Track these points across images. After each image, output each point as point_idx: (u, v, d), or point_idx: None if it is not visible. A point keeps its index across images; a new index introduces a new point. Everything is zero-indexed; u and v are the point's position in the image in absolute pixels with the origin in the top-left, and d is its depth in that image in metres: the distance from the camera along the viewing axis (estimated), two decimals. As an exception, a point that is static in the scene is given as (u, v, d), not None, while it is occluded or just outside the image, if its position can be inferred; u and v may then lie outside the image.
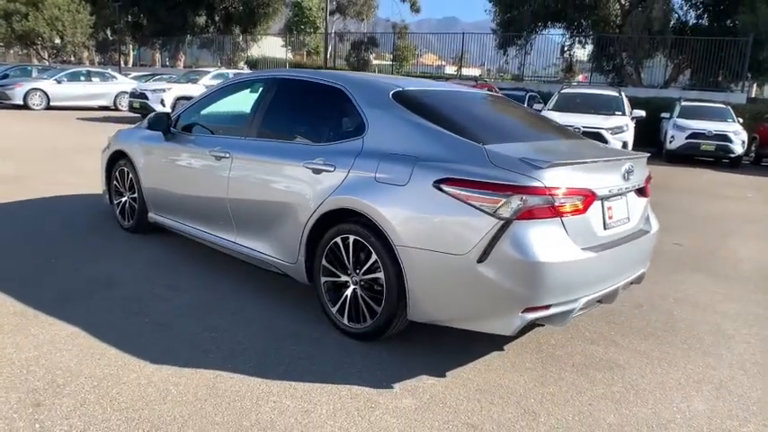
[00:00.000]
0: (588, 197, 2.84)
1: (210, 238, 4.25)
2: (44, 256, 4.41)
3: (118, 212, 5.27)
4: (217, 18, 35.17)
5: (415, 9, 32.13)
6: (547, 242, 2.67)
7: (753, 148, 14.93)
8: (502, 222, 2.65)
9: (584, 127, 10.70)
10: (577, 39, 23.65)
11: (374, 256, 3.07)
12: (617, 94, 13.30)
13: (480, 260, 2.69)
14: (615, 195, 3.08)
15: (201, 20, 35.90)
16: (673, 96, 18.80)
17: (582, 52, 24.59)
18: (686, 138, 13.33)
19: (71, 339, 3.07)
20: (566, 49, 24.36)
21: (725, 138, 13.09)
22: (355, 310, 3.23)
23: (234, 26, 34.49)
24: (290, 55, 39.96)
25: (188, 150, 4.40)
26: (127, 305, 3.59)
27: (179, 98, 16.03)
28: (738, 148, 13.14)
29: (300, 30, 46.01)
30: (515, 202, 2.64)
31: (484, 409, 2.64)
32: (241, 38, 34.26)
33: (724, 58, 20.26)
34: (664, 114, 14.83)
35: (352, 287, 3.24)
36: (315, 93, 3.77)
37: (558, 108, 12.50)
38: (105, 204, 5.57)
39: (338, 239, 3.25)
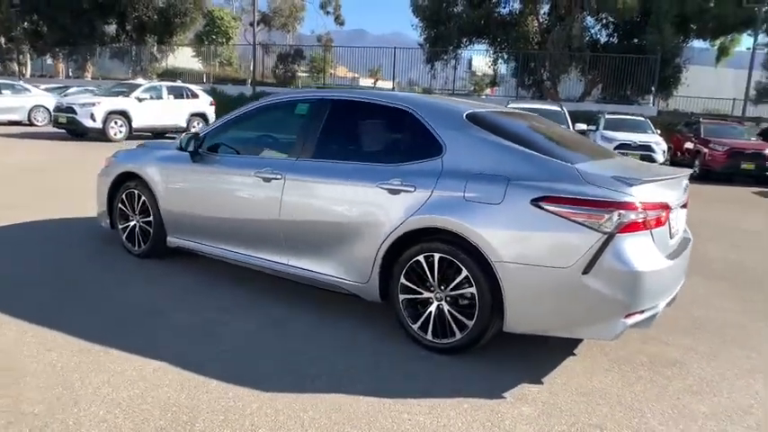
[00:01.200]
0: (666, 210, 3.13)
1: (252, 261, 4.18)
2: (63, 284, 4.16)
3: (124, 238, 5.02)
4: (129, 27, 33.55)
5: (339, 22, 32.38)
6: (643, 253, 2.93)
7: (668, 157, 16.40)
8: (606, 236, 2.87)
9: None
10: (500, 54, 24.83)
11: (464, 273, 3.19)
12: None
13: (585, 272, 2.89)
14: (677, 208, 3.40)
15: (112, 29, 34.13)
16: (591, 110, 20.25)
17: (504, 67, 25.85)
18: (614, 148, 14.41)
19: (162, 373, 2.95)
20: (489, 64, 25.51)
21: (648, 148, 14.30)
22: (441, 325, 3.32)
23: (148, 36, 33.06)
24: (199, 65, 38.77)
25: (225, 172, 4.30)
26: (189, 333, 3.47)
27: (110, 112, 15.24)
28: (660, 157, 14.38)
29: (212, 40, 44.86)
30: (616, 217, 2.88)
31: (596, 411, 2.83)
32: (156, 48, 32.90)
33: (634, 73, 22.10)
34: (590, 127, 15.95)
35: (435, 303, 3.34)
36: (379, 114, 3.84)
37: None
38: (102, 228, 5.29)
39: (420, 258, 3.34)
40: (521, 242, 3.03)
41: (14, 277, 4.29)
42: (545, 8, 25.41)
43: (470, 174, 3.24)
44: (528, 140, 3.42)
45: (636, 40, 22.75)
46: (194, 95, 17.43)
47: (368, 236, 3.53)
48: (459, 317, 3.25)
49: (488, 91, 31.77)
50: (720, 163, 14.41)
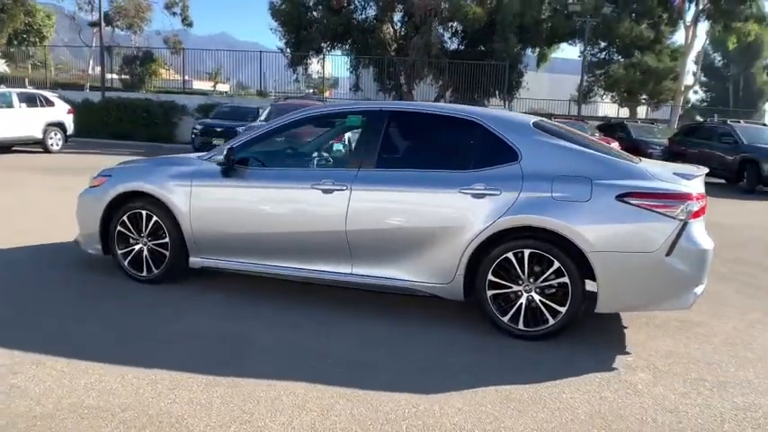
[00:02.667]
0: (706, 200, 3.80)
1: (303, 273, 4.16)
2: (86, 313, 3.81)
3: (126, 263, 4.60)
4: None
5: (187, 23, 30.72)
6: (703, 235, 3.55)
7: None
8: (682, 223, 3.44)
9: None
10: (361, 59, 25.53)
11: (556, 264, 3.57)
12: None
13: (668, 254, 3.43)
14: None
15: None
16: None
17: (365, 72, 26.61)
18: None
19: (292, 396, 2.86)
20: (350, 68, 26.13)
21: None
22: (532, 315, 3.67)
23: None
24: (6, 68, 34.04)
25: (270, 186, 4.18)
26: (277, 352, 3.39)
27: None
28: None
29: (23, 40, 39.78)
30: (687, 206, 3.46)
31: (690, 366, 3.38)
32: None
33: (484, 78, 24.20)
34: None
35: (525, 295, 3.68)
36: (445, 125, 4.06)
37: None
38: (87, 254, 4.79)
39: (509, 254, 3.66)
40: (610, 233, 3.49)
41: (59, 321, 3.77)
42: (398, 16, 26.66)
43: (553, 176, 3.62)
44: (586, 144, 3.90)
45: (483, 48, 24.90)
46: (49, 103, 15.58)
47: (451, 238, 3.75)
48: (552, 305, 3.63)
49: (327, 93, 32.71)
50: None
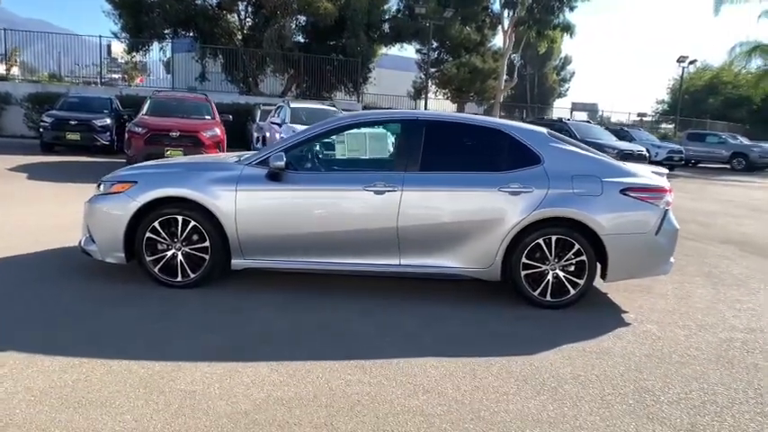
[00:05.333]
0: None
1: (351, 267, 4.59)
2: (154, 319, 3.86)
3: (157, 270, 4.56)
4: None
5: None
6: (674, 218, 4.75)
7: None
8: (664, 210, 4.59)
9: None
10: (208, 49, 24.58)
11: (576, 246, 4.50)
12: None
13: (656, 233, 4.56)
14: None
15: None
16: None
17: (212, 62, 25.63)
18: None
19: (440, 385, 3.46)
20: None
21: None
22: (558, 287, 4.57)
23: None
24: None
25: (321, 189, 4.52)
26: (377, 334, 3.88)
27: None
28: None
29: None
30: (667, 197, 4.62)
31: (688, 314, 4.55)
32: None
33: (336, 73, 24.95)
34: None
35: (551, 273, 4.56)
36: (477, 133, 4.76)
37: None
38: (99, 262, 4.66)
39: (540, 240, 4.51)
40: (617, 219, 4.50)
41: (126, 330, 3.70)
42: (242, 5, 26.16)
43: (570, 175, 4.53)
44: (586, 149, 4.88)
45: (332, 43, 25.60)
46: None
47: (492, 230, 4.48)
48: (573, 279, 4.56)
49: (138, 80, 31.13)
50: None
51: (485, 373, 3.38)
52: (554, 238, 4.51)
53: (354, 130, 4.99)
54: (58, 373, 3.08)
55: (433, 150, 4.63)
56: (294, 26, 24.84)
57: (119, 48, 26.89)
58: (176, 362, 3.28)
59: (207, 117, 12.26)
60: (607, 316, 4.57)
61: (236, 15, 25.64)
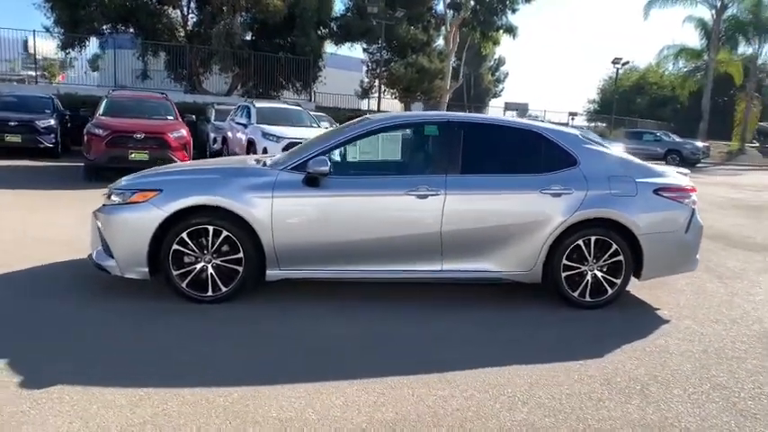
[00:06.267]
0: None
1: (391, 274, 4.45)
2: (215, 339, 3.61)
3: (184, 285, 4.25)
4: None
5: None
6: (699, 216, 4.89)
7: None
8: (692, 209, 4.71)
9: None
10: (150, 45, 23.46)
11: (614, 246, 4.55)
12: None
13: (686, 231, 4.67)
14: None
15: None
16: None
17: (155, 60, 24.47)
18: (282, 149, 14.23)
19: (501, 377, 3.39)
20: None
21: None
22: (596, 288, 4.60)
23: None
24: None
25: (363, 194, 4.34)
26: (439, 342, 3.78)
27: None
28: None
29: None
30: (693, 197, 4.74)
31: (716, 308, 4.69)
32: None
33: (285, 72, 24.44)
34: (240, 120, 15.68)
35: (590, 273, 4.59)
36: (514, 135, 4.71)
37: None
38: (115, 277, 4.30)
39: (580, 241, 4.52)
40: (651, 219, 4.57)
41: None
42: (185, 0, 25.21)
43: (607, 176, 4.57)
44: (608, 148, 4.94)
45: (281, 41, 25.07)
46: None
47: (534, 232, 4.46)
48: (610, 278, 4.60)
49: (59, 78, 29.50)
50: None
51: (567, 378, 3.33)
52: (593, 238, 4.53)
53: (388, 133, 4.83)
54: (128, 407, 2.78)
55: (471, 153, 4.55)
56: (241, 22, 24.10)
57: (43, 43, 25.22)
58: (251, 386, 3.03)
59: (169, 117, 11.66)
60: (644, 314, 4.64)
61: (179, 11, 24.65)
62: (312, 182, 4.27)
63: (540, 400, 3.05)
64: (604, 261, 4.56)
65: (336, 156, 4.56)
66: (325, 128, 14.29)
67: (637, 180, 4.62)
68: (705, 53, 31.55)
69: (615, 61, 32.03)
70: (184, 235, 4.20)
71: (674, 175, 4.87)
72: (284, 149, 12.02)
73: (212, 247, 4.24)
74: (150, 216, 4.16)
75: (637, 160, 4.95)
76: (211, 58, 23.64)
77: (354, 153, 4.72)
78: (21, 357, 3.24)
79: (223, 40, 22.01)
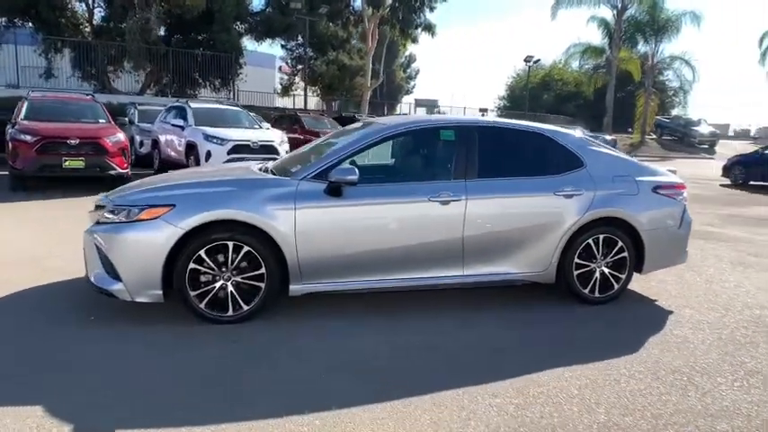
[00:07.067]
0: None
1: (416, 282, 4.40)
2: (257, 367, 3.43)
3: (203, 305, 3.98)
4: None
5: None
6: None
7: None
8: (684, 204, 5.02)
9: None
10: (53, 41, 21.64)
11: (620, 244, 4.76)
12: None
13: (679, 227, 4.97)
14: None
15: None
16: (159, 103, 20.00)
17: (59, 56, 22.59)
18: (228, 152, 12.29)
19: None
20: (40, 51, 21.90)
21: (272, 149, 14.96)
22: (603, 284, 4.79)
23: None
24: None
25: (387, 202, 4.24)
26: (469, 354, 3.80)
27: None
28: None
29: None
30: (684, 194, 5.05)
31: (720, 292, 5.01)
32: None
33: (203, 69, 23.48)
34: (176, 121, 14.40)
35: (598, 270, 4.77)
36: (524, 138, 4.77)
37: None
38: (125, 301, 3.96)
39: (590, 240, 4.69)
40: (652, 216, 4.82)
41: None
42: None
43: (611, 176, 4.76)
44: (609, 149, 5.14)
45: (198, 37, 24.06)
46: None
47: (550, 233, 4.57)
48: (616, 274, 4.81)
49: None
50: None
51: (620, 376, 3.44)
52: (601, 237, 4.71)
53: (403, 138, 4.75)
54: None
55: (487, 156, 4.58)
56: (156, 17, 22.84)
57: None
58: (328, 411, 2.88)
59: (101, 121, 10.83)
60: (645, 306, 4.89)
61: (84, 4, 23.02)
62: (335, 191, 4.12)
63: (610, 400, 3.13)
64: (611, 258, 4.76)
65: (356, 163, 4.41)
66: (266, 128, 13.89)
67: (637, 179, 4.85)
68: (608, 51, 33.73)
69: (527, 59, 33.50)
70: (202, 252, 3.92)
71: (667, 173, 5.16)
72: (230, 153, 11.73)
73: (232, 264, 3.99)
74: (164, 234, 3.84)
75: (634, 160, 5.20)
76: (124, 55, 22.24)
77: (368, 160, 4.60)
78: (65, 401, 2.88)
79: (138, 35, 20.77)
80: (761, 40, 34.69)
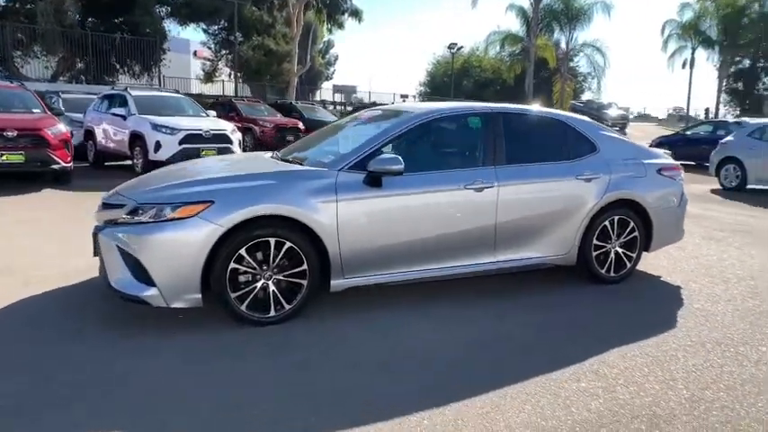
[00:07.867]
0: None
1: (450, 271, 4.37)
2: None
3: (244, 307, 3.75)
4: None
5: None
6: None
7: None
8: (682, 184, 5.29)
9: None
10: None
11: (631, 224, 4.96)
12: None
13: (679, 206, 5.25)
14: None
15: None
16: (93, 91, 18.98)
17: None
18: (179, 142, 11.18)
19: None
20: None
21: (226, 139, 14.03)
22: (617, 263, 4.97)
23: None
24: None
25: (426, 190, 4.16)
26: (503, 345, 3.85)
27: None
28: (237, 147, 14.19)
29: None
30: (681, 174, 5.33)
31: (711, 276, 5.32)
32: None
33: (126, 53, 22.03)
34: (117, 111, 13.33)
35: (613, 251, 4.94)
36: (542, 123, 4.87)
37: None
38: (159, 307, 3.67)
39: (606, 222, 4.85)
40: (658, 196, 5.05)
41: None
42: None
43: (621, 160, 4.94)
44: (614, 133, 5.31)
45: (117, 20, 22.52)
46: None
47: (572, 216, 4.68)
48: (628, 253, 5.01)
49: None
50: (272, 137, 17.23)
51: (675, 351, 3.59)
52: (616, 218, 4.88)
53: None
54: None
55: (513, 143, 4.60)
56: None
57: None
58: (398, 418, 2.75)
59: (36, 111, 9.88)
60: (656, 283, 5.13)
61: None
62: (375, 182, 3.99)
63: (681, 375, 3.25)
64: (624, 238, 4.95)
65: (389, 152, 4.29)
66: (213, 116, 13.19)
67: (644, 162, 5.05)
68: (526, 39, 34.88)
69: (451, 46, 34.05)
70: (243, 251, 3.67)
71: (666, 156, 5.42)
72: (181, 143, 11.09)
73: (274, 262, 3.77)
74: (203, 232, 3.56)
75: (638, 143, 5.41)
76: (33, 39, 20.45)
77: (398, 149, 4.47)
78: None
79: (51, 17, 19.15)
80: (662, 28, 37.22)
